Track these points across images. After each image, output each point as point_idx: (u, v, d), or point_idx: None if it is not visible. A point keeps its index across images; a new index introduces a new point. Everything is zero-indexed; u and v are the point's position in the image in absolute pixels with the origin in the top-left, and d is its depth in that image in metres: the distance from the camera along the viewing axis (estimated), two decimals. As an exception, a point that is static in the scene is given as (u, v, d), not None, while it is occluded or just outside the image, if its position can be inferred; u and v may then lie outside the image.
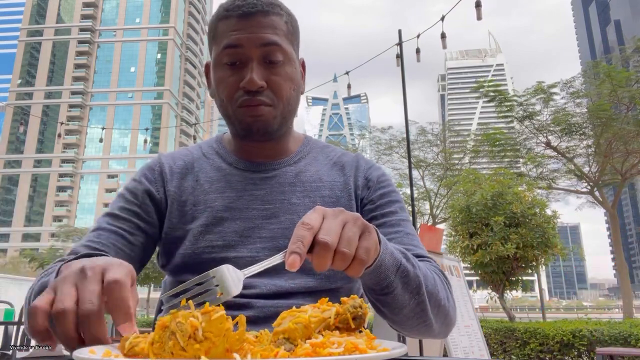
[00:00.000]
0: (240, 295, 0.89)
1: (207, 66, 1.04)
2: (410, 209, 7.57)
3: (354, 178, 1.05)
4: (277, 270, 0.92)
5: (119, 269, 0.58)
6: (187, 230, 0.97)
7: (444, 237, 7.75)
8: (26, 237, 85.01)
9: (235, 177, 1.01)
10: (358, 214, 0.65)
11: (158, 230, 1.00)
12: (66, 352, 0.57)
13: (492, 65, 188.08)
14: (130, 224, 0.97)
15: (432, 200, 19.69)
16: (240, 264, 0.93)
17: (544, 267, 9.55)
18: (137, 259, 0.97)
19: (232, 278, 0.60)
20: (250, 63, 0.93)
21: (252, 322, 0.87)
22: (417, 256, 0.96)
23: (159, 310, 1.11)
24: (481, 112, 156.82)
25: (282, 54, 0.95)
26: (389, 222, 0.99)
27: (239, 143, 1.04)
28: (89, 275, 0.57)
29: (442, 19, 8.01)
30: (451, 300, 0.90)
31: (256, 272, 0.61)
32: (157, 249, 1.05)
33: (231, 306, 0.89)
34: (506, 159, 17.45)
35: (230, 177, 1.01)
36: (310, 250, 0.59)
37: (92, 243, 0.92)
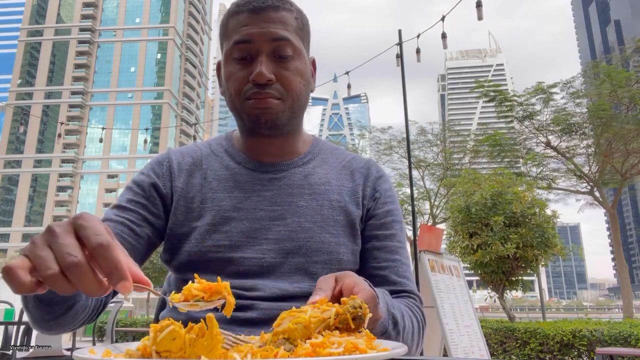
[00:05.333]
0: (244, 297, 0.89)
1: (218, 65, 1.04)
2: (410, 209, 7.58)
3: (363, 187, 1.05)
4: (281, 273, 0.93)
5: (92, 223, 0.51)
6: (194, 227, 0.96)
7: (443, 237, 7.74)
8: (26, 237, 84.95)
9: (243, 176, 1.01)
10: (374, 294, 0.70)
11: (164, 223, 1.01)
12: (66, 352, 0.56)
13: (492, 65, 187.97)
14: (136, 215, 0.97)
15: (432, 200, 19.69)
16: (246, 265, 0.93)
17: (543, 267, 9.55)
18: (142, 250, 0.97)
19: None
20: (260, 57, 0.93)
21: (255, 324, 0.87)
22: (407, 292, 0.99)
23: (161, 309, 1.10)
24: (481, 112, 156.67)
25: (291, 49, 0.95)
26: (389, 247, 1.01)
27: (247, 140, 1.03)
28: (58, 232, 0.50)
29: (443, 19, 8.02)
30: (419, 347, 0.94)
31: None
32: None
33: (234, 308, 0.88)
34: (506, 159, 17.45)
35: (238, 177, 1.01)
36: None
37: None
